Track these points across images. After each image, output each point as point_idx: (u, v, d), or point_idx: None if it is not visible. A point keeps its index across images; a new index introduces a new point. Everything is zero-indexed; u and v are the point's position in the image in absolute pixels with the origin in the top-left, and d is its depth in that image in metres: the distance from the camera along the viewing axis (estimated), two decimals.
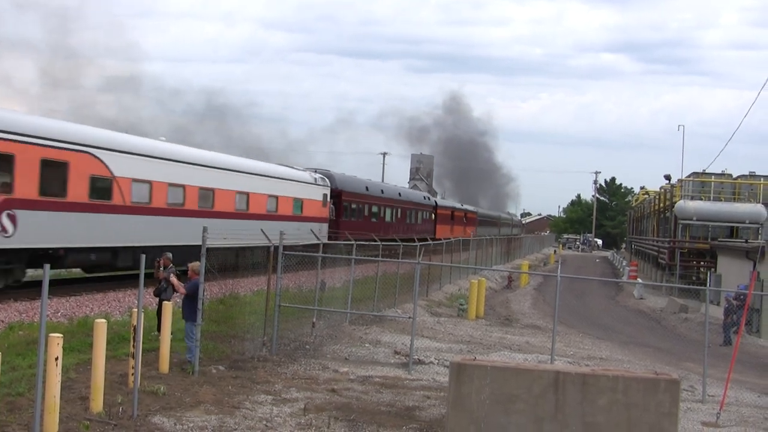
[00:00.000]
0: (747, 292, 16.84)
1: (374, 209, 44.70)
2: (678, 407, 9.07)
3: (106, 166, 21.56)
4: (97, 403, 9.73)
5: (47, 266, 7.69)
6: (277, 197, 31.79)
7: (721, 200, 43.48)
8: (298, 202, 33.83)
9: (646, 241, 57.83)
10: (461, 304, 26.04)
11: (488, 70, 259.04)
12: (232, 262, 24.76)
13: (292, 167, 36.30)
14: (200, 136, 55.11)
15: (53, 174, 19.68)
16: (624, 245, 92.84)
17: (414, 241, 29.53)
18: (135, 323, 10.26)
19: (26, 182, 18.77)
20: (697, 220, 41.96)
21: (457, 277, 34.45)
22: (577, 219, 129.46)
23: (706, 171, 44.41)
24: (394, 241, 30.52)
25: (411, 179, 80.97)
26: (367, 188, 44.47)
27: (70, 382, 10.99)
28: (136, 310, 10.29)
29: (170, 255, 15.60)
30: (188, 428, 9.63)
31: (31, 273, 20.67)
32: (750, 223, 41.52)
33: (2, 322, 15.87)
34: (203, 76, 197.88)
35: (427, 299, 26.84)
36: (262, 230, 17.25)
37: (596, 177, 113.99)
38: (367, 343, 17.10)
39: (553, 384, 8.88)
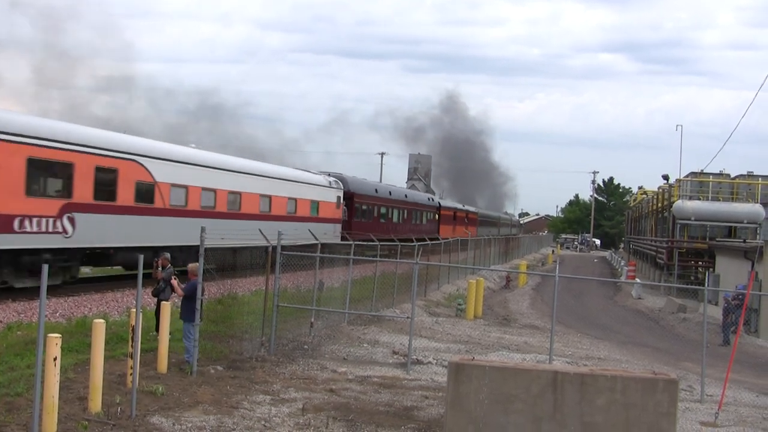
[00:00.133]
0: (746, 292, 16.85)
1: (383, 210, 46.81)
2: (676, 407, 9.07)
3: (149, 173, 23.70)
4: (96, 404, 9.72)
5: (45, 267, 7.69)
6: (296, 200, 33.85)
7: (719, 200, 43.53)
8: (315, 204, 35.89)
9: (644, 241, 57.87)
10: (459, 304, 26.05)
11: (485, 70, 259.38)
12: (249, 261, 25.82)
13: (308, 171, 38.23)
14: (195, 136, 55.18)
15: (105, 180, 21.76)
16: (622, 245, 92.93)
17: (422, 240, 30.63)
18: (133, 323, 10.25)
19: (83, 188, 20.80)
20: (695, 220, 41.99)
21: (455, 277, 34.47)
22: (575, 219, 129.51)
23: (704, 171, 44.38)
24: (409, 241, 31.75)
25: (409, 179, 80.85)
26: (376, 190, 46.40)
27: (68, 382, 10.98)
28: (134, 310, 10.28)
29: (168, 255, 15.64)
30: (186, 428, 9.63)
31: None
32: (748, 222, 41.55)
33: (1, 322, 15.86)
34: (200, 76, 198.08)
35: (425, 299, 26.84)
36: (260, 230, 17.33)
37: (594, 177, 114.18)
38: (365, 343, 17.10)
39: (552, 384, 8.89)
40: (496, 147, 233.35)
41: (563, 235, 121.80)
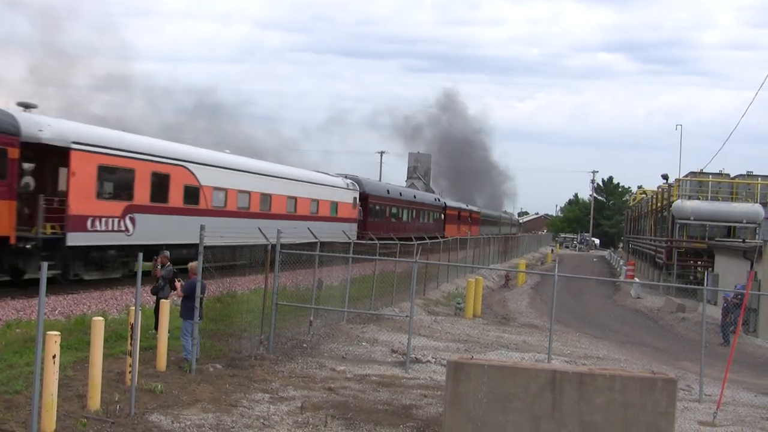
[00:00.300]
0: (745, 292, 16.86)
1: (394, 210, 49.26)
2: (675, 406, 9.08)
3: (195, 177, 26.19)
4: (95, 401, 9.73)
5: (44, 264, 7.70)
6: (318, 201, 36.41)
7: (718, 200, 43.52)
8: (334, 205, 38.53)
9: (643, 240, 57.89)
10: (458, 303, 26.05)
11: (484, 69, 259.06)
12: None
13: (327, 174, 40.79)
14: (192, 135, 55.27)
15: (159, 184, 24.33)
16: (621, 244, 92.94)
17: (433, 238, 32.13)
18: (132, 321, 10.25)
19: (142, 191, 23.41)
20: (695, 219, 41.99)
21: (454, 275, 34.48)
22: (574, 218, 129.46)
23: (704, 171, 44.39)
24: (422, 238, 32.80)
25: (408, 178, 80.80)
26: (388, 191, 48.93)
27: (67, 380, 10.99)
28: (133, 308, 10.28)
29: (168, 253, 15.68)
30: (185, 426, 9.63)
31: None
32: (747, 222, 41.55)
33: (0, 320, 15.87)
34: (200, 75, 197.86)
35: (424, 298, 26.85)
36: (259, 229, 17.42)
37: (594, 176, 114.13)
38: (364, 342, 17.10)
39: (550, 383, 8.89)
40: (496, 146, 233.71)
41: (562, 235, 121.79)
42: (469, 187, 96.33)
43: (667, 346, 22.83)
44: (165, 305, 12.86)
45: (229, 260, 26.09)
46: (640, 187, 77.03)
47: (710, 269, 35.71)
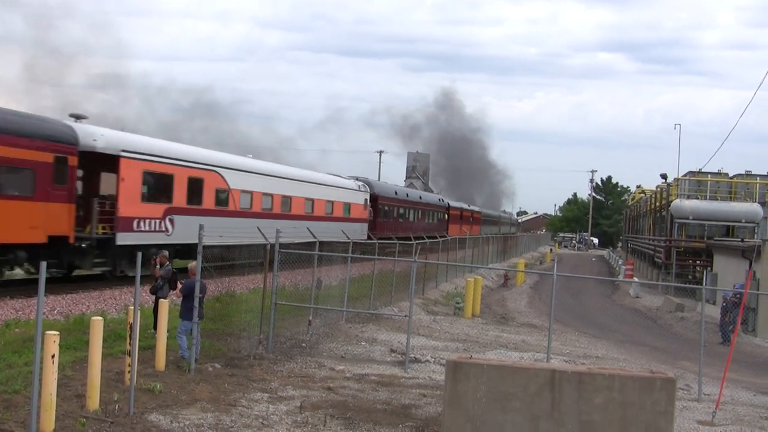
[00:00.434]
0: (744, 291, 16.87)
1: (401, 211, 50.88)
2: (674, 406, 9.08)
3: (225, 181, 28.03)
4: (94, 401, 9.72)
5: (44, 264, 7.70)
6: (332, 202, 38.18)
7: (717, 199, 43.50)
8: (347, 206, 40.27)
9: (642, 239, 57.89)
10: (457, 303, 26.05)
11: (484, 69, 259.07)
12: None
13: (340, 176, 42.35)
14: (189, 134, 55.37)
15: (194, 188, 26.18)
16: (620, 244, 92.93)
17: (434, 238, 32.98)
18: (131, 321, 10.25)
19: (179, 195, 25.36)
20: (694, 219, 41.98)
21: (453, 275, 34.47)
22: (573, 218, 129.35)
23: (703, 170, 44.42)
24: (433, 237, 33.97)
25: (407, 177, 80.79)
26: (396, 193, 50.74)
27: (66, 379, 10.98)
28: (132, 307, 10.27)
29: (166, 253, 15.66)
30: (184, 426, 9.63)
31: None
32: (746, 222, 41.58)
33: None
34: (199, 74, 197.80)
35: (423, 297, 26.85)
36: (258, 228, 17.43)
37: (592, 176, 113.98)
38: (363, 342, 17.10)
39: (549, 382, 8.89)
40: (494, 145, 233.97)
41: (561, 234, 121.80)
42: (468, 187, 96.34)
43: (666, 346, 22.84)
44: (164, 305, 12.85)
45: (254, 257, 27.09)
46: (638, 187, 76.98)
47: (709, 268, 35.72)
